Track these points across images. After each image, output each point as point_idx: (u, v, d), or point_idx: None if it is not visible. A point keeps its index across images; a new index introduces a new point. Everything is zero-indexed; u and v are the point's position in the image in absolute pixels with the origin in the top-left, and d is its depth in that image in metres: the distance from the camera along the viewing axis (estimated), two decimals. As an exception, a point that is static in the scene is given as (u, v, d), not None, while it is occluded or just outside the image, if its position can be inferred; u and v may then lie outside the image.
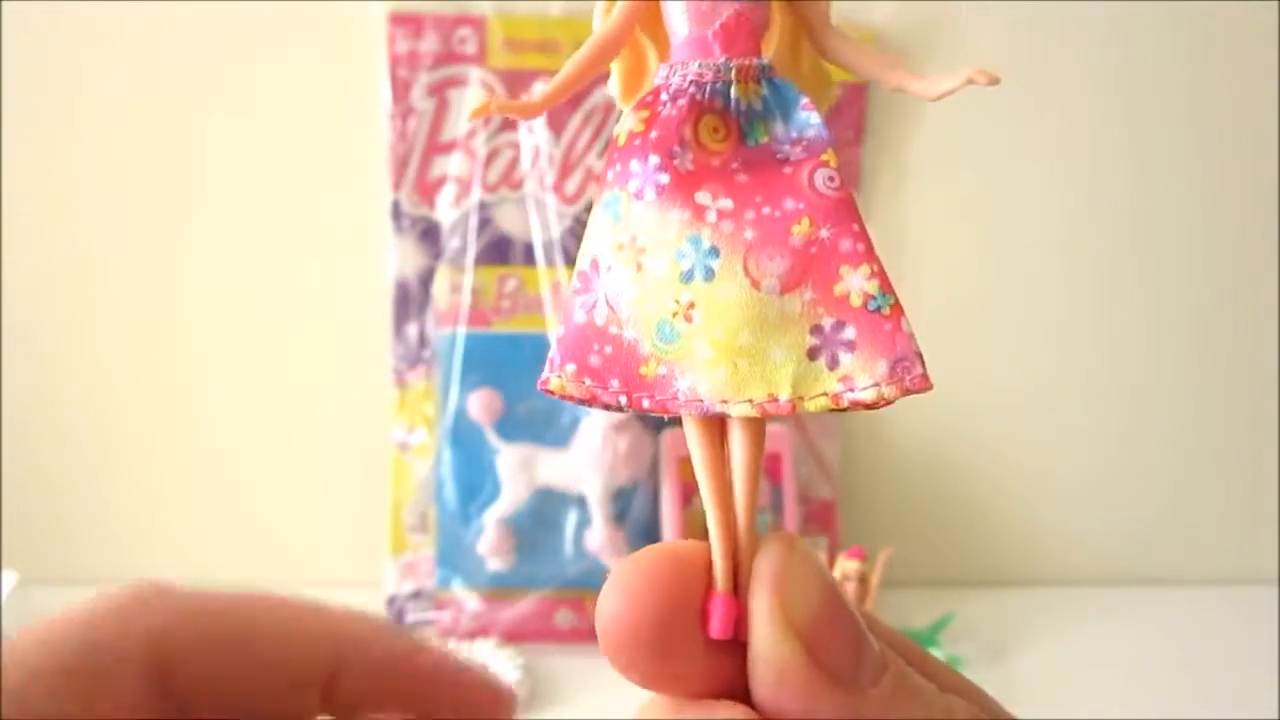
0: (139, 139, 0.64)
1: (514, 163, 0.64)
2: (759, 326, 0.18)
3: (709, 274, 0.18)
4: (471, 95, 0.63)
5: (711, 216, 0.18)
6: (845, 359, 0.17)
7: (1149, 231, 0.69)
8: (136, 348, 0.68)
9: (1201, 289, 0.70)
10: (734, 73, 0.19)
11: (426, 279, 0.65)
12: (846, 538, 0.69)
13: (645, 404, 0.18)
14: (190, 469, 0.70)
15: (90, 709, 0.16)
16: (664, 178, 0.18)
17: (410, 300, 0.65)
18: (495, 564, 0.65)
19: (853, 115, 0.65)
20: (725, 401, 0.18)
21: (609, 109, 0.63)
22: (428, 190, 0.64)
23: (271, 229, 0.66)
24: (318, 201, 0.66)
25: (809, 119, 0.19)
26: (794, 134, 0.19)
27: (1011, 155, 0.67)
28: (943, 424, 0.71)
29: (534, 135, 0.63)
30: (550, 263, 0.64)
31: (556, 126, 0.63)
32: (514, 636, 0.64)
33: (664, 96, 0.19)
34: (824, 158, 0.18)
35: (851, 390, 0.17)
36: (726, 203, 0.18)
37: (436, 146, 0.64)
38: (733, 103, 0.19)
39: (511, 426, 0.64)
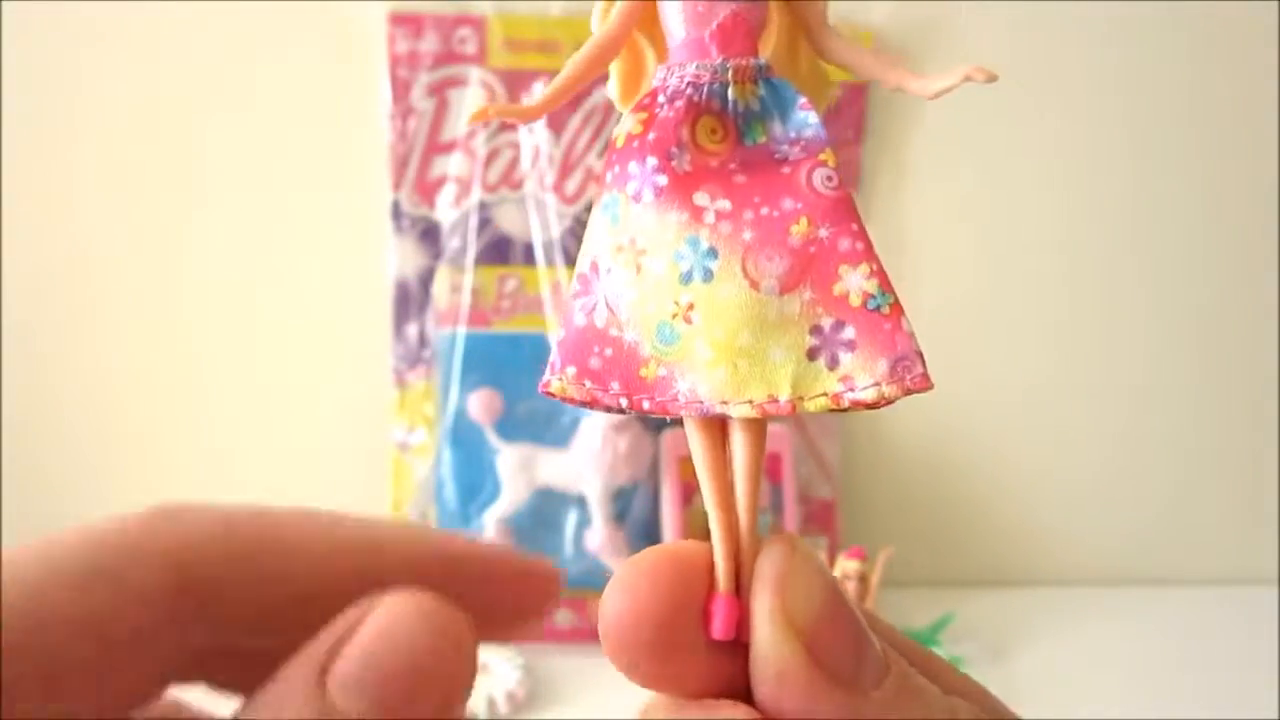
0: (139, 139, 0.64)
1: (514, 163, 0.64)
2: (758, 327, 0.18)
3: (708, 275, 0.18)
4: (471, 95, 0.63)
5: (710, 218, 0.18)
6: (845, 359, 0.17)
7: (1148, 231, 0.69)
8: (136, 348, 0.68)
9: (1201, 289, 0.70)
10: (731, 73, 0.19)
11: (426, 279, 0.65)
12: (846, 538, 0.69)
13: (646, 406, 0.18)
14: (190, 469, 0.70)
15: (110, 611, 0.16)
16: (662, 179, 0.18)
17: (410, 300, 0.65)
18: (495, 564, 0.65)
19: (853, 115, 0.65)
20: (725, 402, 0.18)
21: (609, 109, 0.63)
22: (428, 190, 0.64)
23: (271, 229, 0.66)
24: (318, 201, 0.66)
25: (807, 119, 0.19)
26: (792, 134, 0.19)
27: (1011, 155, 0.67)
28: (943, 424, 0.71)
29: (534, 135, 0.63)
30: (550, 263, 0.64)
31: (556, 127, 0.63)
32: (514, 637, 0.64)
33: (661, 98, 0.19)
34: (822, 157, 0.18)
35: (852, 390, 0.17)
36: (725, 203, 0.18)
37: (436, 146, 0.64)
38: (730, 103, 0.19)
39: (511, 426, 0.64)
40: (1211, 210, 0.69)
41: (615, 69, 0.21)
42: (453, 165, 0.64)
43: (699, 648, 0.17)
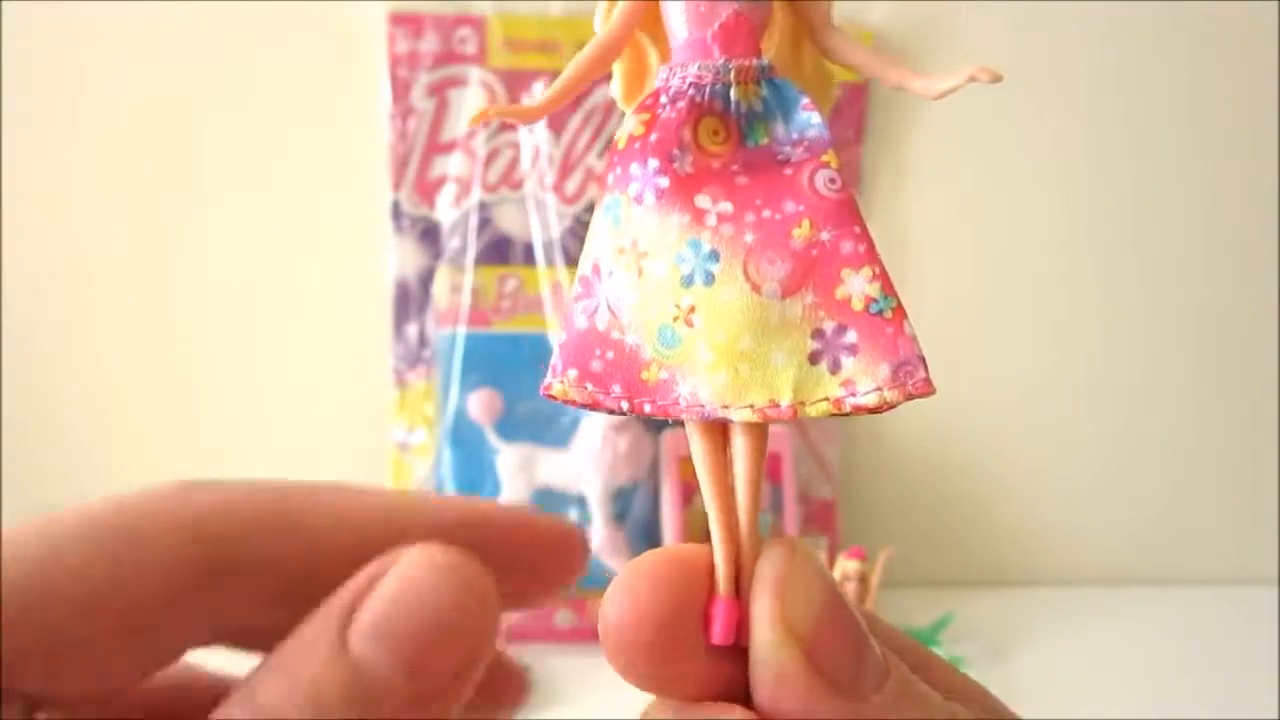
0: (139, 139, 0.64)
1: (514, 163, 0.64)
2: (760, 331, 0.17)
3: (709, 278, 0.18)
4: (472, 95, 0.63)
5: (711, 220, 0.18)
6: (847, 363, 0.17)
7: (1149, 231, 0.69)
8: (136, 347, 0.68)
9: (1201, 289, 0.70)
10: (733, 74, 0.18)
11: (426, 279, 0.65)
12: (846, 538, 0.69)
13: (647, 409, 0.18)
14: (190, 468, 0.70)
15: (137, 576, 0.15)
16: (663, 181, 0.18)
17: (410, 300, 0.65)
18: (495, 564, 0.65)
19: (853, 115, 0.65)
20: (726, 407, 0.18)
21: (609, 109, 0.63)
22: (428, 190, 0.64)
23: (271, 229, 0.66)
24: (318, 201, 0.66)
25: (810, 119, 0.18)
26: (795, 135, 0.18)
27: (1011, 155, 0.67)
28: (943, 424, 0.71)
29: (534, 135, 0.63)
30: (550, 263, 0.64)
31: (556, 126, 0.63)
32: (514, 636, 0.64)
33: (663, 99, 0.19)
34: (825, 159, 0.18)
35: (853, 395, 0.17)
36: (726, 206, 0.18)
37: (436, 146, 0.64)
38: (732, 104, 0.18)
39: (511, 426, 0.64)
40: (1211, 210, 0.69)
41: (618, 69, 0.20)
42: (453, 165, 0.64)
43: (699, 650, 0.17)
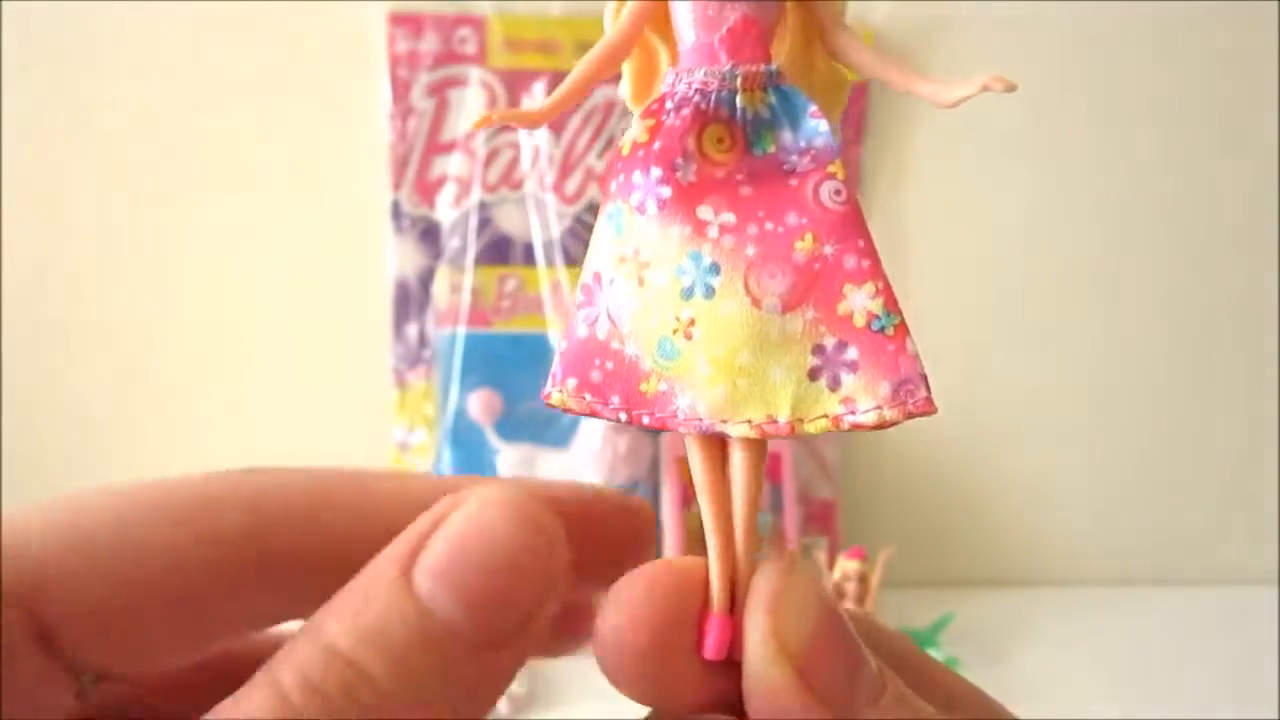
0: (138, 139, 0.64)
1: (514, 163, 0.64)
2: (759, 345, 0.17)
3: (709, 291, 0.17)
4: (472, 95, 0.63)
5: (713, 232, 0.18)
6: (847, 380, 0.17)
7: (1149, 231, 0.69)
8: (136, 348, 0.68)
9: (1201, 289, 0.70)
10: (740, 80, 0.18)
11: (426, 279, 0.65)
12: (846, 538, 0.69)
13: (645, 421, 0.18)
14: (190, 469, 0.70)
15: (194, 549, 0.16)
16: (665, 191, 0.18)
17: (410, 300, 0.65)
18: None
19: (853, 115, 0.65)
20: (724, 421, 0.17)
21: (609, 109, 0.63)
22: (428, 190, 0.64)
23: (272, 229, 0.66)
24: (318, 201, 0.66)
25: (818, 127, 0.18)
26: (802, 143, 0.18)
27: (1011, 155, 0.67)
28: (943, 424, 0.71)
29: (534, 136, 0.63)
30: (550, 263, 0.64)
31: (556, 127, 0.63)
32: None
33: (669, 105, 0.18)
34: (831, 169, 0.18)
35: (853, 413, 0.17)
36: (729, 217, 0.18)
37: (436, 146, 0.64)
38: (739, 111, 0.18)
39: (511, 426, 0.64)
40: (1212, 210, 0.69)
41: (628, 69, 0.20)
42: (453, 165, 0.64)
43: (693, 661, 0.17)
